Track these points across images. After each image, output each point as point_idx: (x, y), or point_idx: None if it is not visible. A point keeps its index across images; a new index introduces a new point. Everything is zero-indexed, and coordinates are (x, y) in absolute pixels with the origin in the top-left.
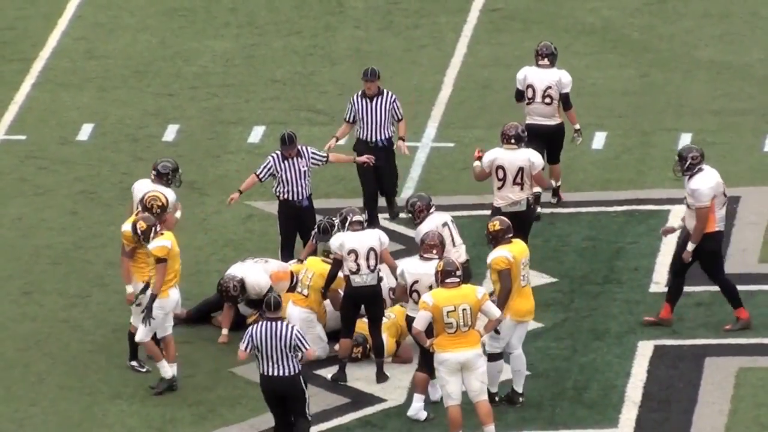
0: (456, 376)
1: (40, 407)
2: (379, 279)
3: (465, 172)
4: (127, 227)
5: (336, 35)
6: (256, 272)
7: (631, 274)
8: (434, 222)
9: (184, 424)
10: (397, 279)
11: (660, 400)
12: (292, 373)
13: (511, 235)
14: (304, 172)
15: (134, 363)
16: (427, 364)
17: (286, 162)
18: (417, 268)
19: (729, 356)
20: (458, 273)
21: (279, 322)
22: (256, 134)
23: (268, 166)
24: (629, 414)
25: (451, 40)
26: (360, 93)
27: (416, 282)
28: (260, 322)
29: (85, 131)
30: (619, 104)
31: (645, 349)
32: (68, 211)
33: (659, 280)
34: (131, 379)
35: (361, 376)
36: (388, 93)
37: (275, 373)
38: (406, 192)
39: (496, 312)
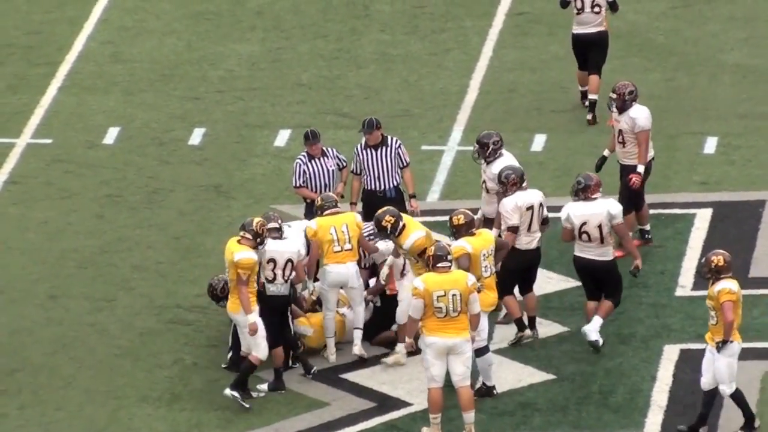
0: (442, 360)
1: (66, 411)
2: (293, 289)
3: None
4: (243, 255)
5: (362, 39)
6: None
7: (657, 278)
8: (523, 199)
9: (210, 428)
10: (562, 224)
11: (686, 404)
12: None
13: (473, 229)
14: (332, 171)
15: (235, 393)
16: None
17: (312, 162)
18: (583, 210)
19: (755, 360)
20: (449, 257)
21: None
22: (282, 138)
23: (300, 171)
24: (655, 418)
25: (477, 43)
26: (363, 144)
27: (584, 223)
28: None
29: (111, 135)
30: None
31: (671, 353)
32: (94, 214)
33: (685, 283)
34: (157, 383)
35: (386, 380)
36: (392, 140)
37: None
38: (431, 196)
39: (477, 308)
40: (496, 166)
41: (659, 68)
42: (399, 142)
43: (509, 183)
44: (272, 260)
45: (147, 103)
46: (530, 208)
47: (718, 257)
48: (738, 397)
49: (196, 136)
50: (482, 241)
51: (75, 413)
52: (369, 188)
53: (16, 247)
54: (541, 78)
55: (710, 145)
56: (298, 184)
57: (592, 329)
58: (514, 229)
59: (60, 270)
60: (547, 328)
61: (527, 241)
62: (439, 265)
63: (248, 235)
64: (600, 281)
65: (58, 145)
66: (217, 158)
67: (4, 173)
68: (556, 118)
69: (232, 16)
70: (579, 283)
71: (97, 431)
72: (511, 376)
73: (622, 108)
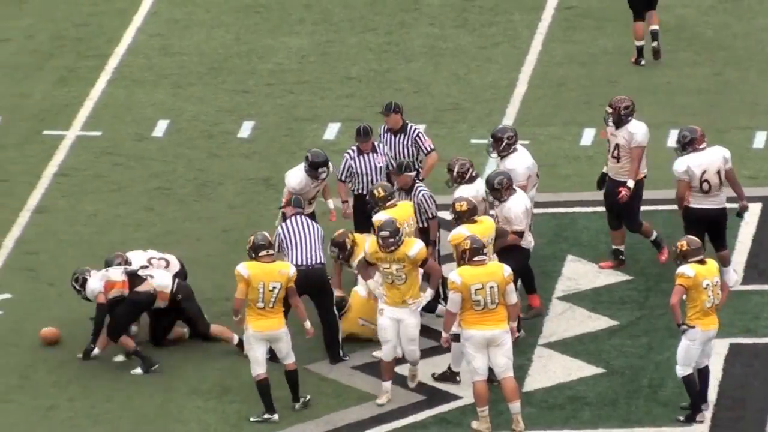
0: (482, 352)
1: (115, 403)
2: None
3: (540, 169)
4: (294, 269)
5: (411, 32)
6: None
7: None
8: (522, 202)
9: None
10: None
11: (735, 398)
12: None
13: (475, 216)
14: (380, 168)
15: (265, 416)
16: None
17: (361, 157)
18: (701, 159)
19: None
20: (485, 251)
21: (306, 218)
22: (331, 131)
23: (346, 165)
24: (704, 412)
25: (526, 37)
26: (384, 128)
27: (705, 172)
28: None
29: (161, 127)
30: (693, 102)
31: (720, 348)
32: (143, 207)
33: (735, 277)
34: (208, 376)
35: (436, 372)
36: (411, 127)
37: (309, 262)
38: (481, 191)
39: (514, 298)
40: (510, 161)
41: (708, 62)
42: (418, 130)
43: (504, 188)
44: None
45: (196, 96)
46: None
47: (683, 242)
48: (688, 382)
49: (246, 129)
50: (483, 229)
51: (124, 405)
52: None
53: (65, 239)
54: (590, 72)
55: (759, 139)
56: (341, 178)
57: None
58: (520, 234)
59: None
60: (596, 322)
61: (530, 240)
62: (476, 258)
63: (272, 251)
64: (715, 228)
65: (108, 138)
66: (266, 151)
67: (54, 165)
68: None
69: (281, 9)
70: (629, 277)
71: (146, 423)
72: (560, 369)
73: (618, 123)
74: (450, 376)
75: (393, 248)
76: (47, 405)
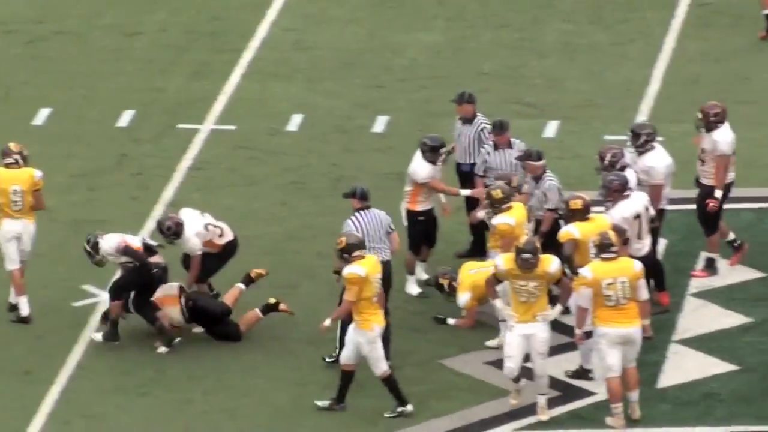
0: (616, 348)
1: (251, 398)
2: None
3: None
4: (353, 270)
5: (544, 28)
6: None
7: None
8: (629, 209)
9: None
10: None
11: None
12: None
13: (588, 214)
14: (515, 164)
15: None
16: None
17: (497, 152)
18: None
19: None
20: (614, 248)
21: (374, 210)
22: None
23: (482, 160)
24: None
25: (659, 34)
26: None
27: None
28: (358, 214)
29: (295, 122)
30: None
31: None
32: (278, 201)
33: None
34: (339, 371)
35: (569, 369)
36: (478, 119)
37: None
38: None
39: (645, 294)
40: (648, 158)
41: None
42: (483, 125)
43: (612, 189)
44: None
45: (329, 91)
46: (637, 216)
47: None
48: None
49: (380, 124)
50: (595, 227)
51: (260, 399)
52: (457, 161)
53: None
54: (724, 69)
55: None
56: (479, 173)
57: None
58: (625, 242)
59: (243, 256)
60: (730, 319)
61: (638, 247)
62: (604, 255)
63: (364, 249)
64: None
65: (242, 132)
66: (400, 146)
67: (189, 159)
68: (740, 109)
69: (415, 5)
70: (763, 274)
71: (281, 418)
72: (694, 366)
73: (708, 128)
74: (582, 373)
75: (533, 268)
76: (182, 398)
